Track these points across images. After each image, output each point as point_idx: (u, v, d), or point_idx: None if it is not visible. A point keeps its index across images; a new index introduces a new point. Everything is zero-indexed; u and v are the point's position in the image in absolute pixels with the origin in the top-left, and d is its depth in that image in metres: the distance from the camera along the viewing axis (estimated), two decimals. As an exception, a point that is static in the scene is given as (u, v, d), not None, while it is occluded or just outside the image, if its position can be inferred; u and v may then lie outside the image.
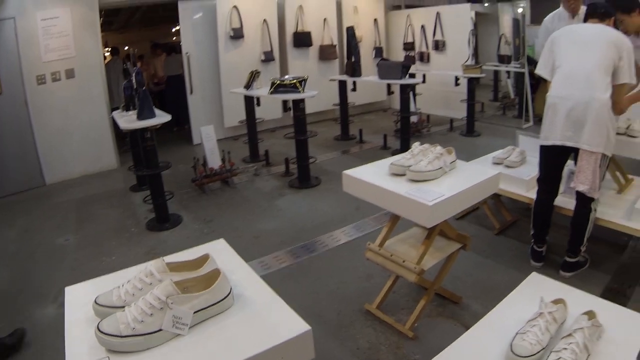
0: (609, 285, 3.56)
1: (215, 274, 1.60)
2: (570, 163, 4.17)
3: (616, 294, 3.42)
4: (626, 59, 3.32)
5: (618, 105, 3.42)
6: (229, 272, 1.70)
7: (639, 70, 4.05)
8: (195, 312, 1.50)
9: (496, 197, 4.54)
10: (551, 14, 4.89)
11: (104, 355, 1.42)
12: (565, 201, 3.87)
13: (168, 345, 1.45)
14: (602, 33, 3.42)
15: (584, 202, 3.53)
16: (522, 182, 4.24)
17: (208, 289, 1.53)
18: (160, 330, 1.44)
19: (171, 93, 9.91)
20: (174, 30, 14.56)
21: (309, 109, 6.68)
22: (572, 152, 3.56)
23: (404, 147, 6.57)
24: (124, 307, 1.51)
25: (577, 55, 3.44)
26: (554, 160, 3.68)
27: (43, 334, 3.38)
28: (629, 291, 3.47)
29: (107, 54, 8.82)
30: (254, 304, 1.65)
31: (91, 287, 1.82)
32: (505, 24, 10.62)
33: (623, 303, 3.19)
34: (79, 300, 1.74)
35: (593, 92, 3.32)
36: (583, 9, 4.61)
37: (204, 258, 1.71)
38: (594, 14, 3.56)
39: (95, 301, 1.60)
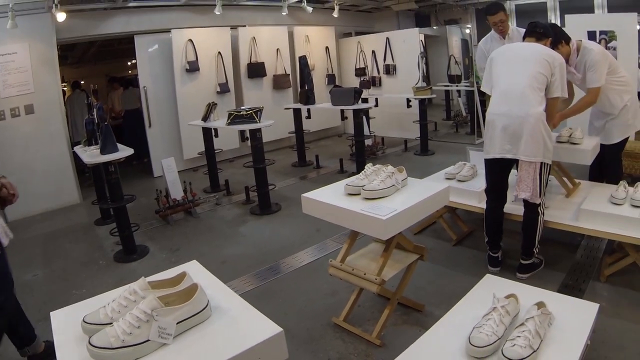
0: (565, 282, 3.78)
1: (193, 288, 1.76)
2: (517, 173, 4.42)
3: (572, 289, 3.64)
4: (558, 74, 3.57)
5: (551, 119, 3.71)
6: (204, 287, 1.84)
7: (571, 88, 4.38)
8: (178, 323, 1.65)
9: (452, 210, 4.77)
10: (485, 37, 5.22)
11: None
12: (515, 208, 4.07)
13: (155, 354, 1.60)
14: (535, 50, 3.67)
15: (531, 207, 3.74)
16: (474, 194, 4.45)
17: (188, 301, 1.69)
18: (147, 340, 1.58)
19: (129, 127, 9.89)
20: (129, 63, 14.58)
21: (266, 137, 6.83)
22: (514, 163, 3.75)
23: (360, 170, 6.72)
24: (111, 323, 1.64)
25: (511, 73, 3.68)
26: (498, 171, 3.87)
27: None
28: (584, 286, 3.70)
29: (65, 88, 8.81)
30: (229, 313, 1.81)
31: (74, 310, 1.94)
32: (454, 45, 10.95)
33: (578, 297, 3.37)
34: (65, 322, 1.85)
35: (527, 107, 3.53)
36: (514, 30, 4.94)
37: (182, 275, 1.87)
38: (532, 33, 3.81)
39: (83, 320, 1.73)
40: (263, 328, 1.70)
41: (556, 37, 4.02)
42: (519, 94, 3.58)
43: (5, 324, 2.99)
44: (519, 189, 3.69)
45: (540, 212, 3.74)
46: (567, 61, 4.08)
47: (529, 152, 3.58)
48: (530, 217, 3.78)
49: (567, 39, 4.11)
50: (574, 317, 2.17)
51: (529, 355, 1.86)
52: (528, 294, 2.33)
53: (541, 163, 3.61)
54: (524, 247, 3.84)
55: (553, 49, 3.94)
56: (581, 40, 4.18)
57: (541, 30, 3.79)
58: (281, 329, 1.68)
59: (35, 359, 3.28)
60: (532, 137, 3.54)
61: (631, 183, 3.92)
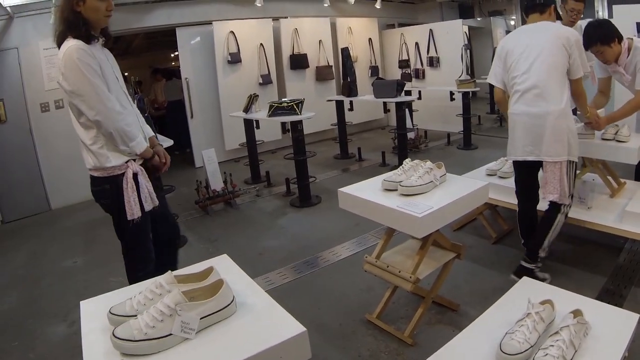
0: (605, 286, 3.63)
1: (219, 283, 1.73)
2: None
3: (612, 295, 3.49)
4: (576, 54, 3.42)
5: (579, 100, 3.69)
6: (232, 283, 1.83)
7: (607, 84, 4.23)
8: (201, 318, 1.63)
9: (492, 207, 4.67)
10: None
11: (119, 359, 1.55)
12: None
13: (177, 348, 1.59)
14: (547, 36, 3.48)
15: (555, 206, 3.60)
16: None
17: (213, 297, 1.67)
18: (170, 334, 1.57)
19: (172, 118, 10.07)
20: (173, 55, 14.73)
21: (308, 129, 6.83)
22: (540, 163, 3.60)
23: (402, 164, 6.69)
24: (136, 315, 1.64)
25: (528, 67, 3.51)
26: (525, 173, 3.75)
27: (55, 352, 3.48)
28: (625, 291, 3.54)
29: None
30: (254, 310, 1.78)
31: (104, 300, 1.95)
32: (499, 37, 10.76)
33: (619, 303, 3.32)
34: (94, 312, 1.87)
35: (548, 105, 3.40)
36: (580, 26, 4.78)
37: (209, 270, 1.85)
38: (533, 8, 3.65)
39: (109, 311, 1.74)
40: (287, 327, 1.67)
41: (609, 35, 3.85)
42: (538, 91, 3.44)
43: None
44: (546, 191, 3.56)
45: (562, 211, 3.59)
46: (616, 61, 3.95)
47: (553, 151, 3.44)
48: (550, 215, 3.63)
49: (620, 38, 3.89)
50: (612, 327, 2.07)
51: (561, 367, 1.79)
52: (565, 299, 2.24)
53: (567, 161, 3.47)
54: (531, 246, 3.70)
55: (601, 52, 3.86)
56: (632, 39, 3.97)
57: (541, 1, 3.61)
58: (304, 329, 1.65)
59: None
60: (554, 136, 3.41)
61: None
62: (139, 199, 2.89)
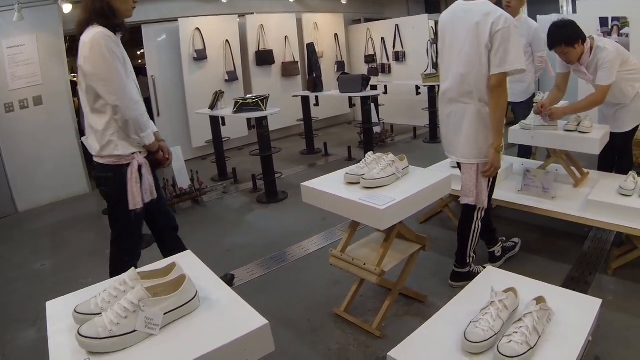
0: (571, 274, 3.72)
1: (181, 279, 1.76)
2: (525, 162, 4.35)
3: (577, 282, 3.58)
4: (499, 42, 3.02)
5: (495, 103, 3.18)
6: (195, 279, 1.85)
7: (565, 80, 4.32)
8: (165, 314, 1.65)
9: (457, 199, 4.73)
10: None
11: (86, 357, 1.56)
12: (518, 197, 4.10)
13: (142, 344, 1.60)
14: (473, 21, 3.10)
15: (467, 212, 3.53)
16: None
17: (175, 292, 1.70)
18: (134, 331, 1.59)
19: (139, 116, 9.89)
20: (139, 53, 14.59)
21: (274, 125, 6.85)
22: None
23: (368, 158, 6.77)
24: (100, 313, 1.66)
25: (449, 57, 3.34)
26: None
27: (25, 357, 3.44)
28: (590, 278, 3.64)
29: (73, 79, 8.84)
30: (218, 304, 1.81)
31: (70, 299, 1.96)
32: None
33: (584, 290, 3.41)
34: (60, 312, 1.87)
35: (464, 102, 3.28)
36: (525, 19, 4.86)
37: (172, 266, 1.87)
38: None
39: (75, 310, 1.74)
40: (249, 320, 1.69)
41: (573, 37, 3.92)
42: (454, 84, 3.29)
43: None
44: (462, 194, 3.49)
45: (475, 217, 3.50)
46: (579, 61, 4.03)
47: (467, 152, 3.36)
48: (464, 222, 3.56)
49: (584, 39, 3.97)
50: (575, 312, 2.12)
51: (525, 352, 1.82)
52: (529, 287, 2.29)
53: (483, 164, 3.35)
54: (457, 253, 3.63)
55: (565, 53, 3.93)
56: (593, 38, 4.05)
57: None
58: (266, 321, 1.68)
59: None
60: (467, 137, 3.32)
61: (641, 173, 3.86)
62: (141, 190, 2.99)
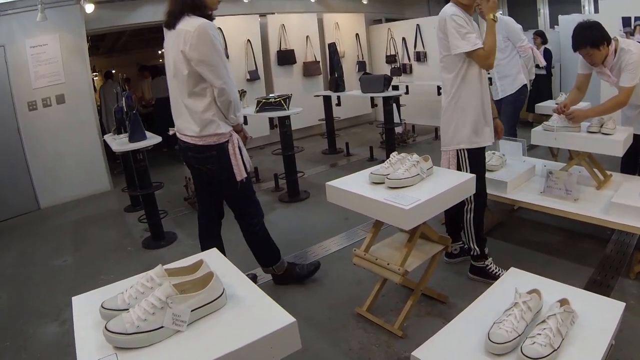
0: (593, 277, 3.67)
1: (209, 276, 1.75)
2: (548, 163, 4.31)
3: (599, 285, 3.54)
4: (450, 31, 3.30)
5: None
6: (222, 276, 1.85)
7: (586, 81, 4.29)
8: (192, 311, 1.65)
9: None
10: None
11: (112, 352, 1.56)
12: (543, 199, 4.04)
13: (169, 340, 1.61)
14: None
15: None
16: (502, 184, 4.32)
17: (203, 289, 1.69)
18: (161, 327, 1.59)
19: (160, 114, 9.96)
20: (160, 52, 14.68)
21: (296, 125, 6.84)
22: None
23: (390, 158, 6.76)
24: (128, 309, 1.66)
25: None
26: None
27: (47, 351, 3.48)
28: (612, 282, 3.58)
29: (96, 78, 8.95)
30: (244, 302, 1.81)
31: (96, 295, 1.96)
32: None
33: (607, 294, 3.33)
34: (86, 307, 1.88)
35: (444, 92, 3.53)
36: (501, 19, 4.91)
37: (199, 263, 1.87)
38: None
39: (101, 305, 1.75)
40: (277, 317, 1.69)
41: (599, 39, 3.85)
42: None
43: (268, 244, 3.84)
44: None
45: (467, 207, 3.62)
46: (602, 63, 3.98)
47: (443, 140, 3.59)
48: (458, 215, 3.71)
49: (609, 41, 3.90)
50: (599, 315, 2.09)
51: (549, 354, 1.80)
52: (552, 289, 2.26)
53: (456, 151, 3.52)
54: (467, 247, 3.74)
55: (590, 55, 3.89)
56: (617, 40, 3.99)
57: None
58: (294, 319, 1.67)
59: (277, 278, 4.00)
60: (443, 123, 3.56)
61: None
62: (243, 162, 3.38)
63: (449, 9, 3.31)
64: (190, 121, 3.23)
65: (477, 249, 3.63)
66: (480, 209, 3.65)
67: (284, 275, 3.95)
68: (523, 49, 5.29)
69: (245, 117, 7.04)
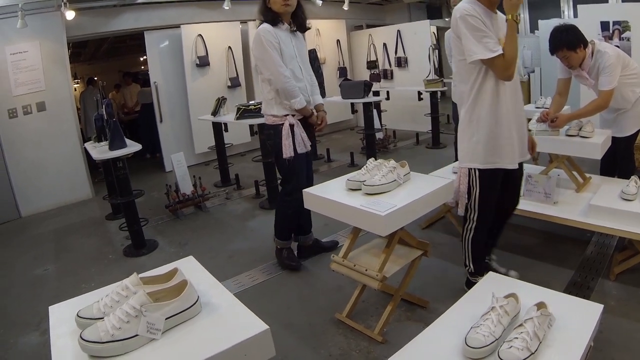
0: (573, 279, 3.70)
1: (183, 284, 1.77)
2: (527, 167, 4.35)
3: (580, 287, 3.57)
4: (463, 33, 2.92)
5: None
6: (197, 284, 1.87)
7: (566, 86, 4.31)
8: (166, 319, 1.67)
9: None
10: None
11: (86, 361, 1.57)
12: (523, 203, 3.98)
13: (144, 348, 1.62)
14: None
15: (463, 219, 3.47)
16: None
17: (177, 298, 1.71)
18: (136, 335, 1.61)
19: (145, 121, 9.91)
20: (142, 59, 14.65)
21: (276, 131, 6.83)
22: None
23: (370, 163, 6.79)
24: (103, 318, 1.67)
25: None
26: None
27: (27, 360, 3.46)
28: (592, 283, 3.62)
29: (76, 85, 8.93)
30: (219, 309, 1.83)
31: (73, 304, 1.97)
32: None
33: (587, 295, 3.40)
34: (63, 316, 1.89)
35: (459, 104, 3.27)
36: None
37: (173, 271, 1.89)
38: None
39: (77, 314, 1.76)
40: (250, 325, 1.71)
41: (575, 42, 3.94)
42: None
43: (295, 214, 4.29)
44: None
45: (467, 228, 3.42)
46: (580, 66, 4.05)
47: (459, 156, 3.35)
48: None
49: (585, 43, 3.99)
50: (577, 318, 2.12)
51: (526, 358, 1.81)
52: (530, 293, 2.28)
53: (467, 169, 3.24)
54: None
55: (567, 57, 3.96)
56: (594, 43, 4.07)
57: None
58: (267, 327, 1.69)
59: (302, 249, 4.61)
60: (458, 138, 3.32)
61: (643, 178, 3.85)
62: (293, 143, 4.00)
63: (463, 5, 2.92)
64: (264, 104, 4.14)
65: (472, 266, 3.48)
66: (482, 231, 3.38)
67: (309, 247, 4.60)
68: None
69: (225, 124, 7.12)
